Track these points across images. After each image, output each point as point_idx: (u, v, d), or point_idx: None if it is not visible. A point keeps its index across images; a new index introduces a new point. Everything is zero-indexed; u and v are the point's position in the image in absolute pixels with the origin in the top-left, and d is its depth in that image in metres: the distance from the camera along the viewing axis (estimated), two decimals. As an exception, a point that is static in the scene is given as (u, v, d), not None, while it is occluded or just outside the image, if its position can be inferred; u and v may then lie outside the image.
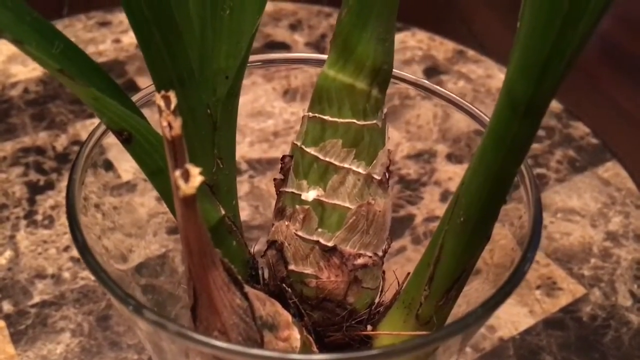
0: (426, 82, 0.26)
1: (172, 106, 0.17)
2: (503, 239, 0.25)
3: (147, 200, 0.33)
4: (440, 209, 0.41)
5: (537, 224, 0.20)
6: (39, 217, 0.42)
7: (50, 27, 0.20)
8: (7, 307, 0.37)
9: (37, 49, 0.18)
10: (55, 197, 0.43)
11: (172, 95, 0.17)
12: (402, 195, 0.42)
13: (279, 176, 0.25)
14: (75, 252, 0.40)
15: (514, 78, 0.18)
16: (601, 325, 0.38)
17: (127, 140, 0.21)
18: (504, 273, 0.25)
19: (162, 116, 0.16)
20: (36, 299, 0.37)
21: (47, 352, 0.35)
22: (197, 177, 0.15)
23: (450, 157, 0.42)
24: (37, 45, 0.18)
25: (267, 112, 0.49)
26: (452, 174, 0.41)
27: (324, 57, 0.29)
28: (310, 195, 0.23)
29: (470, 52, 0.59)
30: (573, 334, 0.38)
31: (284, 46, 0.59)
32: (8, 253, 0.40)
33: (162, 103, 0.17)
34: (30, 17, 0.19)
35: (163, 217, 0.33)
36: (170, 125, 0.16)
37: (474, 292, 0.26)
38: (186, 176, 0.15)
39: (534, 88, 0.17)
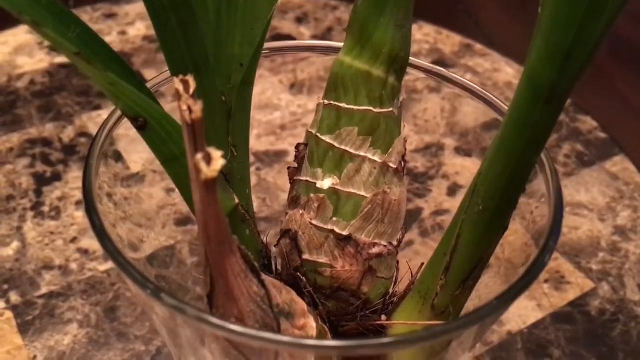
0: (443, 70, 0.25)
1: (192, 90, 0.16)
2: (514, 234, 0.25)
3: (155, 191, 0.33)
4: (448, 202, 0.41)
5: (558, 213, 0.20)
6: (45, 209, 0.42)
7: (66, 11, 0.19)
8: (14, 297, 0.37)
9: (54, 32, 0.18)
10: (62, 189, 0.43)
11: (191, 79, 0.16)
12: (410, 189, 0.42)
13: (293, 164, 0.25)
14: (82, 244, 0.40)
15: (536, 64, 0.18)
16: (609, 319, 0.38)
17: (142, 127, 0.21)
18: (515, 268, 0.25)
19: (181, 100, 0.16)
20: (43, 289, 0.37)
21: (55, 343, 0.35)
22: (218, 160, 0.15)
23: (458, 151, 0.41)
24: (54, 28, 0.18)
25: (273, 105, 0.49)
26: (460, 168, 0.41)
27: (332, 44, 0.29)
28: (325, 183, 0.23)
29: (477, 46, 0.59)
30: (581, 328, 0.37)
31: (290, 39, 0.59)
32: (15, 244, 0.40)
33: (180, 87, 0.17)
34: (46, 1, 0.19)
35: (171, 208, 0.33)
36: (190, 109, 0.16)
37: (484, 287, 0.25)
38: (207, 159, 0.15)
39: (557, 74, 0.17)
